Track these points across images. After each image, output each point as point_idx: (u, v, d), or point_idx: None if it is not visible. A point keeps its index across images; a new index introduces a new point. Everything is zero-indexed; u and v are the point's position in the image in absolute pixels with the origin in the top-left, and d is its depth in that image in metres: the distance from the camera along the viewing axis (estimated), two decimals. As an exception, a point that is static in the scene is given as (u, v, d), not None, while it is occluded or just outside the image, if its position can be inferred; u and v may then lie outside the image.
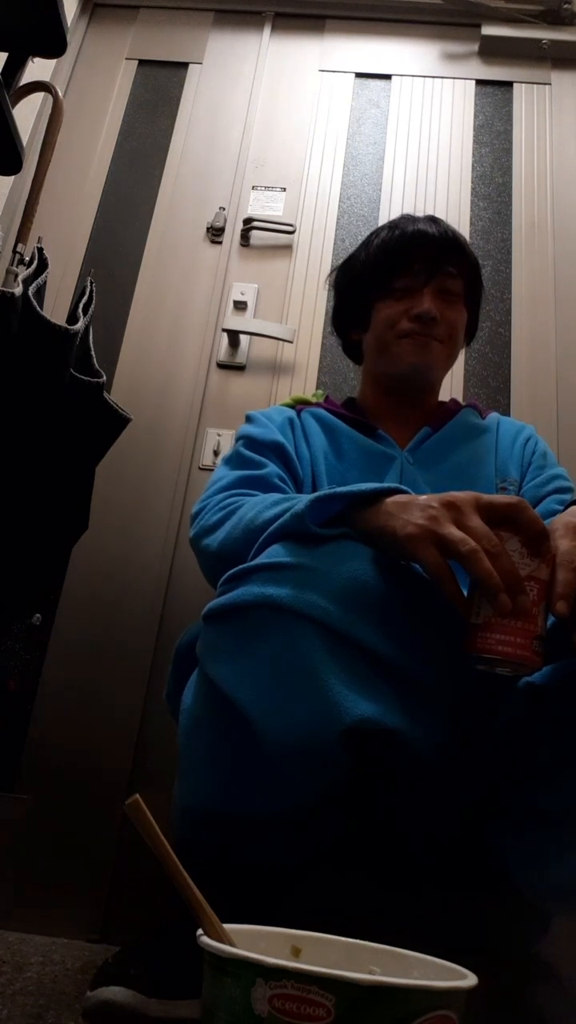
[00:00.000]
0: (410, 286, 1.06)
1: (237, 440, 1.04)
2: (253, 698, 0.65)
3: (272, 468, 0.96)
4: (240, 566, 0.71)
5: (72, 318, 1.13)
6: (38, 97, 1.44)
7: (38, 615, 1.39)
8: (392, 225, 1.10)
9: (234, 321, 1.62)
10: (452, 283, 1.07)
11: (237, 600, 0.68)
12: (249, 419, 1.10)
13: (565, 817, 0.72)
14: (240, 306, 1.64)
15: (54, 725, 1.31)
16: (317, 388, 1.41)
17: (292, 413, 1.10)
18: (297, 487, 0.99)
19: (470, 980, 0.41)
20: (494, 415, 1.16)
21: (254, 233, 1.71)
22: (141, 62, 1.92)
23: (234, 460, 1.00)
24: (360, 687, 0.66)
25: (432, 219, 1.10)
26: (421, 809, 0.80)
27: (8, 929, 1.14)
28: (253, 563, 0.70)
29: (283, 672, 0.65)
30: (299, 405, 1.13)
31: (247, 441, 1.02)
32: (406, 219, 1.10)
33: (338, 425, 1.07)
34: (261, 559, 0.70)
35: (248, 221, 1.70)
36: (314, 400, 1.14)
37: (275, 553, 0.70)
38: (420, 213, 1.12)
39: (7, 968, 0.92)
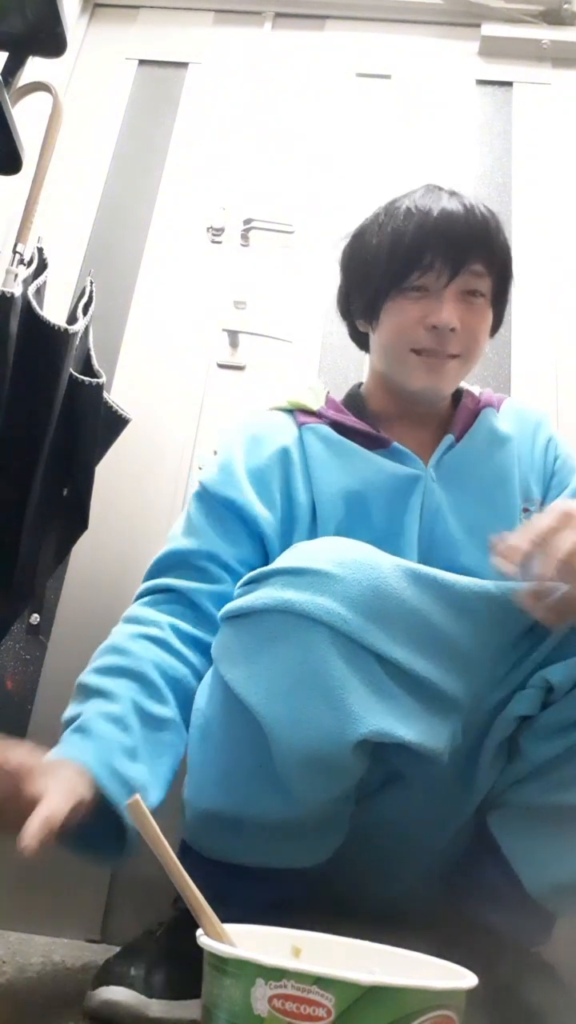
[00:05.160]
0: (428, 285, 0.91)
1: (198, 485, 0.97)
2: (266, 703, 0.65)
3: (202, 545, 0.90)
4: (260, 569, 0.72)
5: (72, 318, 1.13)
6: (38, 97, 1.44)
7: (36, 615, 1.38)
8: (409, 210, 0.92)
9: (234, 321, 1.62)
10: (478, 282, 0.92)
11: (254, 603, 0.68)
12: (217, 459, 0.97)
13: (561, 815, 0.72)
14: (240, 306, 1.64)
15: (54, 725, 1.31)
16: (319, 389, 1.25)
17: (290, 438, 0.97)
18: (256, 535, 0.91)
19: (470, 980, 0.41)
20: (507, 408, 1.06)
21: (254, 233, 1.71)
22: (141, 62, 1.92)
23: (187, 520, 0.95)
24: (376, 697, 0.65)
25: (459, 198, 0.93)
26: (431, 812, 0.80)
27: (8, 929, 1.14)
28: (272, 567, 0.70)
29: (297, 678, 0.64)
30: (300, 415, 1.01)
31: (200, 493, 0.95)
32: (428, 196, 0.93)
33: (349, 447, 0.96)
34: (280, 563, 0.70)
35: (248, 221, 1.70)
36: (315, 406, 1.01)
37: (296, 556, 0.70)
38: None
39: (8, 968, 0.92)
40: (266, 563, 0.76)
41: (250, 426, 1.00)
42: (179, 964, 0.78)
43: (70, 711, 0.78)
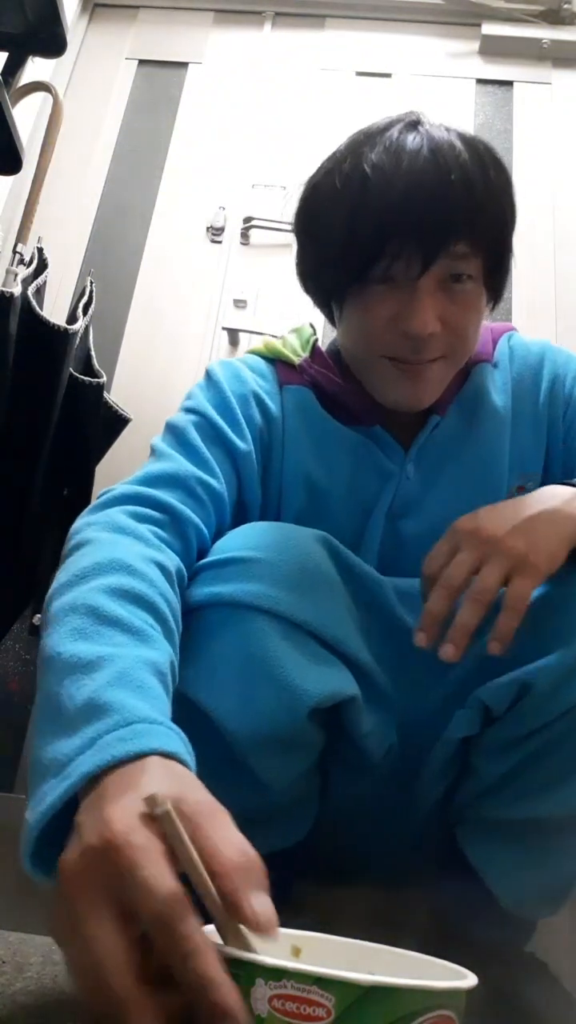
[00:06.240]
0: (397, 276, 0.72)
1: (188, 411, 0.80)
2: (214, 697, 0.64)
3: (205, 474, 0.74)
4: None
5: (72, 318, 1.13)
6: (38, 97, 1.44)
7: (39, 615, 1.39)
8: (366, 175, 0.71)
9: (234, 320, 1.62)
10: (463, 264, 0.72)
11: (187, 603, 0.67)
12: (212, 385, 0.82)
13: (522, 828, 0.72)
14: (240, 304, 1.64)
15: (54, 725, 1.31)
16: (305, 334, 0.94)
17: (275, 403, 0.83)
18: (241, 497, 0.79)
19: (470, 980, 0.41)
20: (503, 351, 0.87)
21: (254, 232, 1.71)
22: (141, 62, 1.92)
23: (178, 438, 0.77)
24: (317, 667, 0.65)
25: (437, 152, 0.70)
26: (381, 805, 0.78)
27: (8, 929, 1.14)
28: (200, 562, 0.69)
29: (240, 666, 0.64)
30: (281, 368, 0.86)
31: (200, 422, 0.78)
32: (394, 147, 0.71)
33: (325, 425, 0.83)
34: (205, 559, 0.69)
35: (248, 220, 1.71)
36: (296, 358, 0.86)
37: (219, 549, 0.69)
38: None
39: (7, 968, 0.92)
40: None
41: (239, 375, 0.84)
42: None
43: (76, 642, 0.53)
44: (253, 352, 0.89)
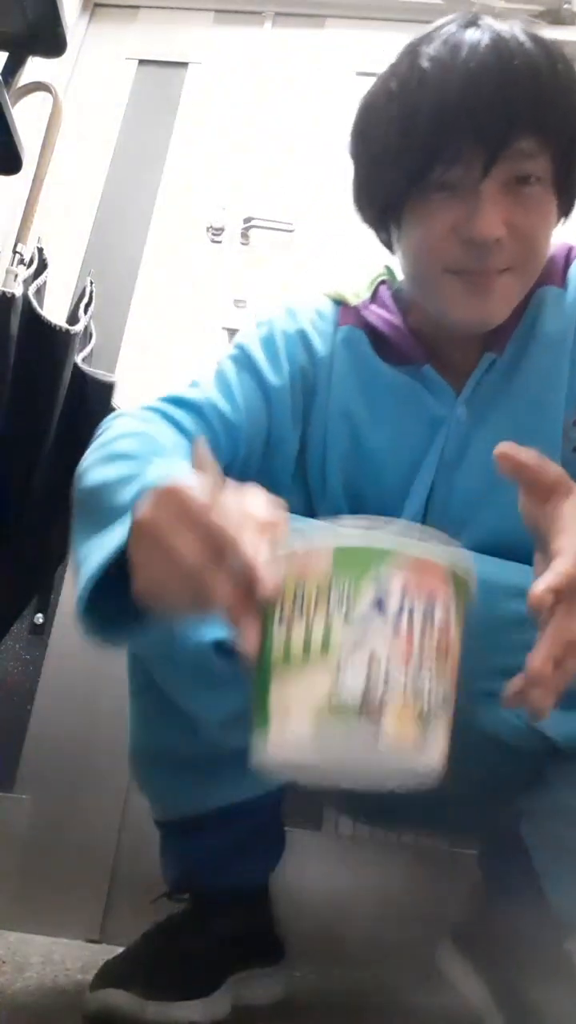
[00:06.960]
0: (457, 181, 0.67)
1: (235, 346, 0.83)
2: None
3: (229, 410, 0.76)
4: None
5: (72, 318, 1.13)
6: (38, 97, 1.44)
7: (41, 615, 1.39)
8: (424, 72, 0.66)
9: (234, 320, 1.62)
10: (530, 164, 0.67)
11: None
12: (263, 321, 0.84)
13: None
14: (240, 305, 1.64)
15: (54, 725, 1.31)
16: (373, 274, 0.90)
17: (328, 345, 0.82)
18: (271, 433, 0.80)
19: (449, 559, 0.46)
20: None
21: (254, 232, 1.71)
22: (141, 62, 1.92)
23: (215, 371, 0.81)
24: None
25: (497, 42, 0.65)
26: None
27: (8, 929, 1.14)
28: None
29: None
30: (343, 311, 0.84)
31: (239, 355, 0.81)
32: (452, 41, 0.66)
33: (375, 366, 0.79)
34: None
35: (248, 220, 1.71)
36: (353, 301, 0.84)
37: None
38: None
39: (7, 968, 0.92)
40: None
41: (293, 312, 0.84)
42: (176, 966, 0.78)
43: (118, 467, 0.62)
44: (325, 294, 0.88)
